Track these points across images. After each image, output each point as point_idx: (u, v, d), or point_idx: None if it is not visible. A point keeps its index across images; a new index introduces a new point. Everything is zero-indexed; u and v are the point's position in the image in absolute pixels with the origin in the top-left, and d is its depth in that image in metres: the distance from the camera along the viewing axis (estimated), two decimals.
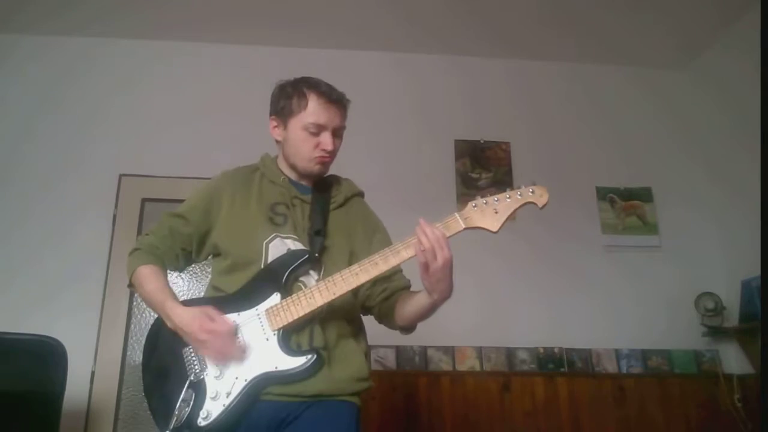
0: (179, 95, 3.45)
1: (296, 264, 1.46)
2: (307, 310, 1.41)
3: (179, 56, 3.54)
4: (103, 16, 3.35)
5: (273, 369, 1.39)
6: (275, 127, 1.61)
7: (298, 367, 1.39)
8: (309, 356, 1.40)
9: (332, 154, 1.56)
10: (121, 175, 3.29)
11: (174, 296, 1.49)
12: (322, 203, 1.59)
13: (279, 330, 1.42)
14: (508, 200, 1.42)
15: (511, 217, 1.42)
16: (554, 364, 3.12)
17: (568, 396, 3.06)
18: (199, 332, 1.38)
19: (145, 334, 1.57)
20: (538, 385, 3.07)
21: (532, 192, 1.43)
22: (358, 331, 1.59)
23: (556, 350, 3.15)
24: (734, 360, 3.19)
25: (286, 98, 1.56)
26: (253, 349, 1.41)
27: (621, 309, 3.26)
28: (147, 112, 3.42)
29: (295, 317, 1.41)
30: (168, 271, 1.59)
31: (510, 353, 3.13)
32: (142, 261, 1.54)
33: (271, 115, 1.62)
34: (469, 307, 3.14)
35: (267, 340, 1.42)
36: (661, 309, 3.27)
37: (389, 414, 2.94)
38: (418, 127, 3.52)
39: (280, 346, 1.41)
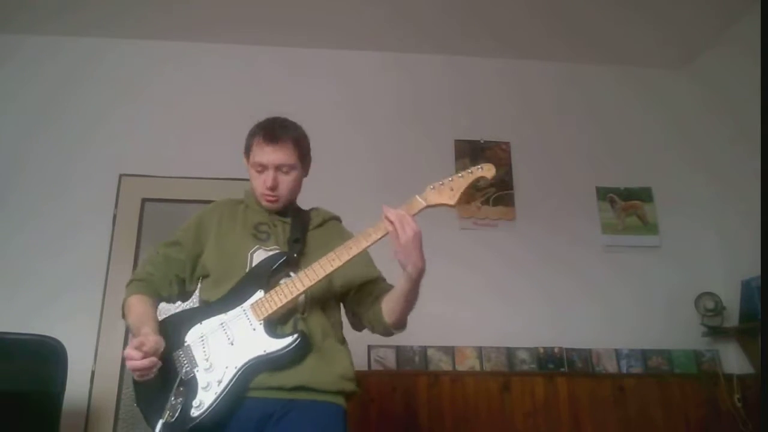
0: (179, 95, 3.46)
1: (277, 264, 1.54)
2: (290, 297, 1.48)
3: (180, 57, 3.54)
4: (104, 17, 3.35)
5: (262, 353, 1.44)
6: (246, 165, 1.72)
7: (285, 347, 1.44)
8: (294, 336, 1.46)
9: (274, 190, 1.63)
10: (121, 175, 3.29)
11: (150, 322, 1.52)
12: (302, 224, 1.70)
13: (264, 319, 1.47)
14: (461, 178, 1.57)
15: (469, 190, 1.57)
16: (554, 364, 3.12)
17: (568, 396, 3.06)
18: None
19: None
20: (538, 385, 3.07)
21: (481, 168, 1.58)
22: (342, 338, 1.64)
23: (556, 350, 3.15)
24: (734, 360, 3.19)
25: (247, 140, 1.69)
26: (241, 340, 1.46)
27: (621, 309, 3.26)
28: (147, 113, 3.42)
29: (279, 305, 1.47)
30: (161, 299, 1.66)
31: (510, 353, 3.13)
32: (131, 292, 1.62)
33: None
34: (469, 307, 3.15)
35: (254, 330, 1.47)
36: (661, 309, 3.27)
37: (389, 414, 2.94)
38: (418, 127, 3.52)
39: (267, 333, 1.46)
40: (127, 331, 3.08)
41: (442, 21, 3.41)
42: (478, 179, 1.58)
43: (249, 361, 1.43)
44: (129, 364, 1.39)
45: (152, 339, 1.41)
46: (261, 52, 3.57)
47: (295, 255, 1.58)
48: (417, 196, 1.55)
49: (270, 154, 1.61)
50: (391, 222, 1.45)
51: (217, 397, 1.40)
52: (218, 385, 1.41)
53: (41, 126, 3.34)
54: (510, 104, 3.64)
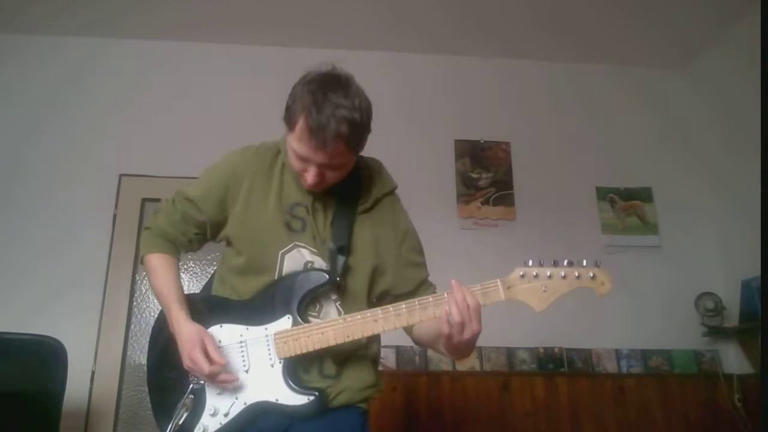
0: (180, 95, 3.46)
1: (314, 287, 1.38)
2: (317, 346, 1.34)
3: (180, 56, 3.54)
4: (104, 17, 3.35)
5: (273, 401, 1.36)
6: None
7: (299, 405, 1.34)
8: (311, 398, 1.34)
9: (317, 186, 1.35)
10: (121, 175, 3.29)
11: (180, 298, 1.43)
12: (348, 207, 1.45)
13: (285, 359, 1.36)
14: (563, 279, 1.27)
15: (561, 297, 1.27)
16: (554, 364, 3.12)
17: (568, 396, 3.06)
18: (186, 357, 1.35)
19: (149, 331, 1.55)
20: (538, 385, 3.07)
21: (593, 276, 1.27)
22: (370, 345, 1.49)
23: (556, 350, 3.15)
24: (734, 360, 3.19)
25: (291, 101, 1.35)
26: (257, 373, 1.38)
27: (621, 309, 3.25)
28: (147, 113, 3.42)
29: (303, 351, 1.35)
30: (181, 252, 1.55)
31: (510, 353, 3.13)
32: (152, 247, 1.50)
33: None
34: None
35: (272, 366, 1.37)
36: (661, 309, 3.27)
37: (389, 414, 2.94)
38: (418, 127, 3.52)
39: (284, 378, 1.35)
40: (128, 331, 3.09)
41: (442, 21, 3.41)
42: (583, 288, 1.27)
43: (259, 402, 1.36)
44: (219, 379, 1.33)
45: (210, 342, 1.34)
46: (261, 52, 3.57)
47: (338, 278, 1.38)
48: (498, 282, 1.29)
49: (315, 153, 1.29)
50: (453, 316, 1.23)
51: (222, 428, 1.36)
52: (225, 416, 1.36)
53: (41, 126, 3.34)
54: (510, 104, 3.64)
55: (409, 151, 3.45)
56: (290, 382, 1.35)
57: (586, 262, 1.29)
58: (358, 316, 1.32)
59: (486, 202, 3.39)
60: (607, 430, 3.03)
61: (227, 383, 1.35)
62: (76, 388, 2.58)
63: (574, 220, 3.42)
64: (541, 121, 3.63)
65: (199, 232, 1.51)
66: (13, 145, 3.30)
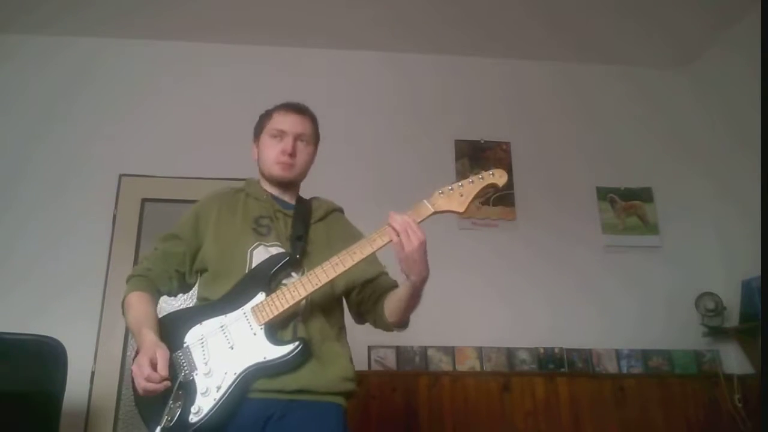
0: (179, 95, 3.46)
1: (279, 265, 1.52)
2: (291, 302, 1.46)
3: (180, 57, 3.54)
4: (104, 18, 3.35)
5: (262, 359, 1.43)
6: (254, 149, 1.74)
7: (285, 355, 1.43)
8: (296, 344, 1.44)
9: (293, 157, 1.64)
10: (121, 175, 3.29)
11: (151, 323, 1.49)
12: (304, 216, 1.67)
13: (265, 324, 1.46)
14: (471, 184, 1.52)
15: (478, 197, 1.53)
16: (554, 364, 3.12)
17: (568, 396, 3.06)
18: (135, 363, 1.39)
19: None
20: (539, 385, 3.07)
21: (492, 174, 1.53)
22: (341, 338, 1.63)
23: (556, 350, 3.15)
24: (734, 360, 3.19)
25: (259, 121, 1.74)
26: (241, 345, 1.45)
27: (621, 309, 3.26)
28: (147, 112, 3.42)
29: (281, 310, 1.46)
30: (161, 294, 1.62)
31: (510, 353, 3.13)
32: (131, 289, 1.57)
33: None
34: (469, 307, 3.15)
35: (254, 334, 1.46)
36: (661, 309, 3.27)
37: (389, 414, 2.94)
38: (418, 127, 3.52)
39: (267, 339, 1.45)
40: (128, 331, 3.08)
41: (442, 21, 3.41)
42: (488, 186, 1.53)
43: (249, 367, 1.42)
44: (147, 386, 1.35)
45: (162, 356, 1.38)
46: (261, 52, 3.57)
47: (298, 256, 1.56)
48: (425, 201, 1.49)
49: (293, 122, 1.66)
50: (396, 231, 1.41)
51: (216, 404, 1.39)
52: (217, 391, 1.40)
53: (42, 126, 3.34)
54: (510, 104, 3.64)
55: (409, 151, 3.46)
56: (273, 340, 1.46)
57: (485, 170, 1.56)
58: (319, 268, 1.47)
59: (486, 202, 3.39)
60: (607, 430, 3.02)
61: (157, 391, 1.36)
62: (76, 388, 2.58)
63: (574, 220, 3.42)
64: (541, 121, 3.63)
65: (179, 269, 1.62)
66: (14, 145, 3.30)
